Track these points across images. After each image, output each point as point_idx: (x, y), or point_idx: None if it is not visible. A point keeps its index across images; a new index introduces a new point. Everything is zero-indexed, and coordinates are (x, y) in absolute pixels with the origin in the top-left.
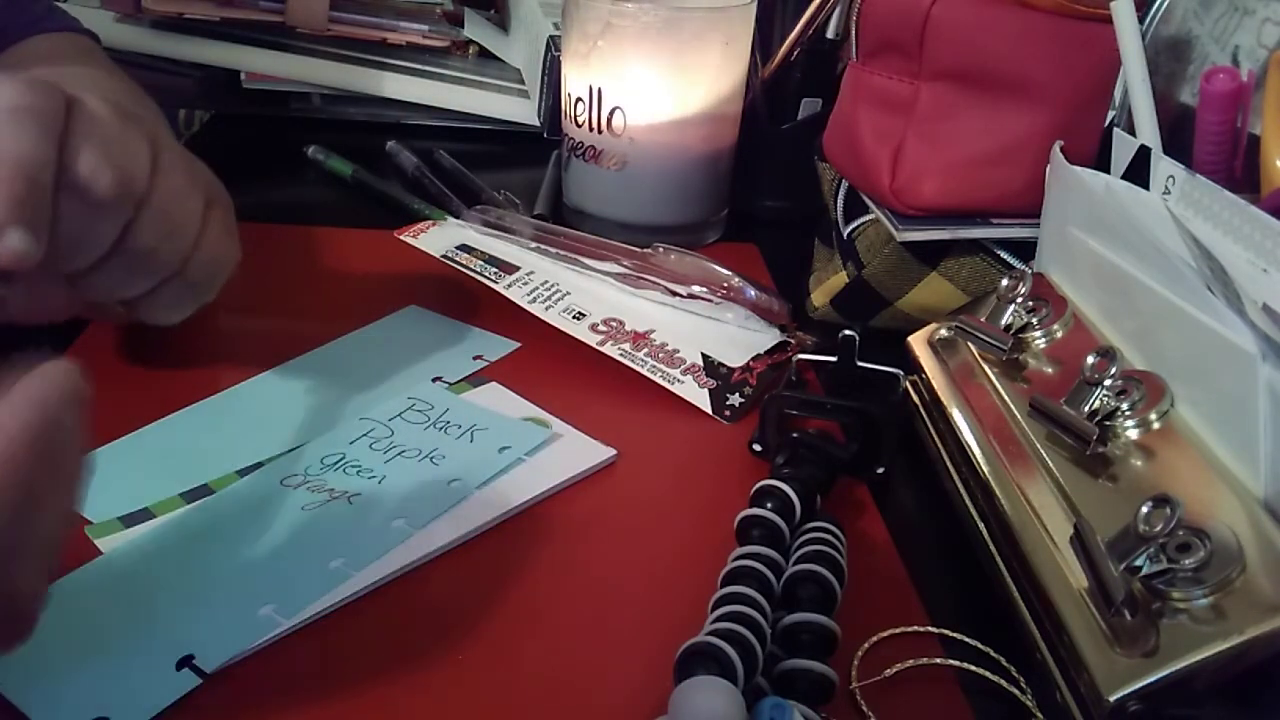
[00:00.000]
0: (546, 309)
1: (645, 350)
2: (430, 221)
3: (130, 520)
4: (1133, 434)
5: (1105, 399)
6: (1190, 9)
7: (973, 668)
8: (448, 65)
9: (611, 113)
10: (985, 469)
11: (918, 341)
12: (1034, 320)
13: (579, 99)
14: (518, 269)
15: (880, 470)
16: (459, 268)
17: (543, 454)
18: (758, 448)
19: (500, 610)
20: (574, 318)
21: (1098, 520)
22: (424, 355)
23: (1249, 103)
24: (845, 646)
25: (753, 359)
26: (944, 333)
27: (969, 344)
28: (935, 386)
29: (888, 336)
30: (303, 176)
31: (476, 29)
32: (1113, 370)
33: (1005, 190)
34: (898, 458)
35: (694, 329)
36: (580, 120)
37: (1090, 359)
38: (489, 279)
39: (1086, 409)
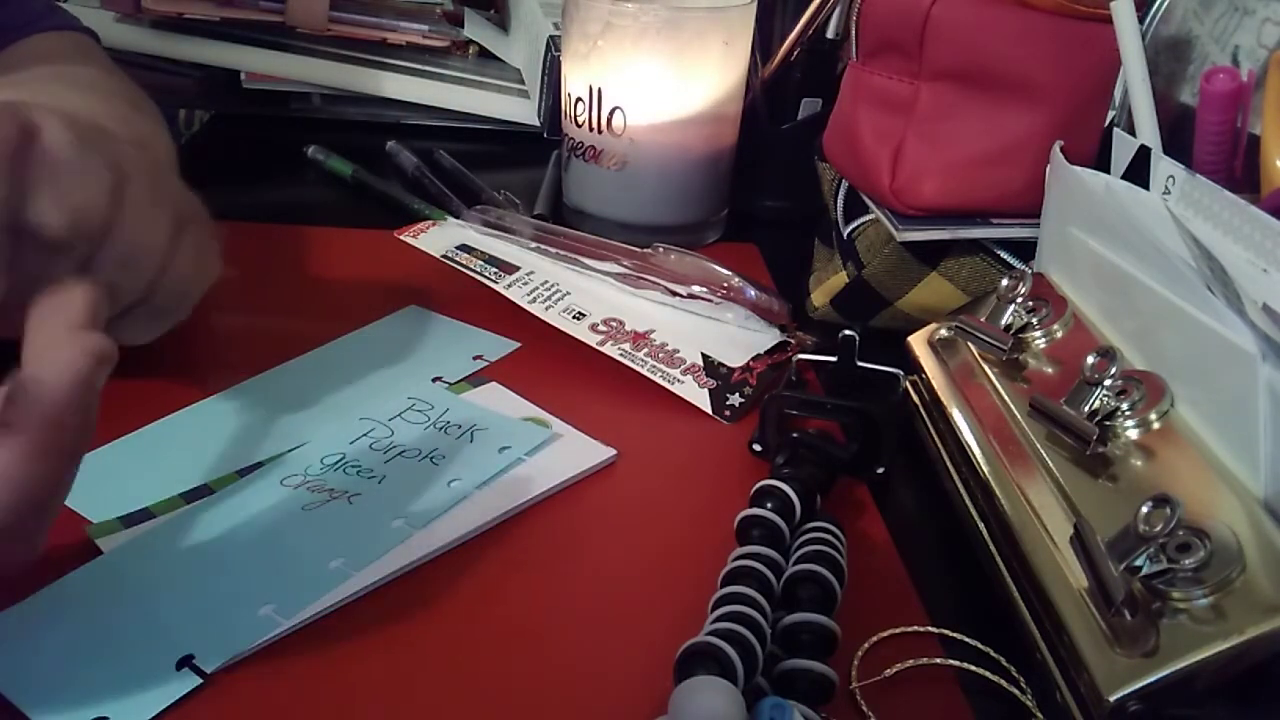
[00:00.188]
0: (546, 309)
1: (645, 350)
2: (430, 221)
3: (130, 520)
4: (1133, 434)
5: (1105, 399)
6: (1190, 9)
7: (973, 668)
8: (448, 65)
9: (611, 113)
10: (985, 469)
11: (918, 341)
12: (1034, 320)
13: (579, 99)
14: (518, 269)
15: (880, 470)
16: (459, 268)
17: (543, 454)
18: (758, 448)
19: (500, 610)
20: (574, 318)
21: (1098, 520)
22: (424, 355)
23: (1249, 103)
24: (845, 646)
25: (753, 359)
26: (944, 333)
27: (969, 344)
28: (935, 386)
29: (888, 336)
30: (303, 176)
31: (476, 29)
32: (1113, 370)
33: (1005, 190)
34: (898, 458)
35: (694, 329)
36: (580, 120)
37: (1090, 359)
38: (489, 279)
39: (1086, 409)
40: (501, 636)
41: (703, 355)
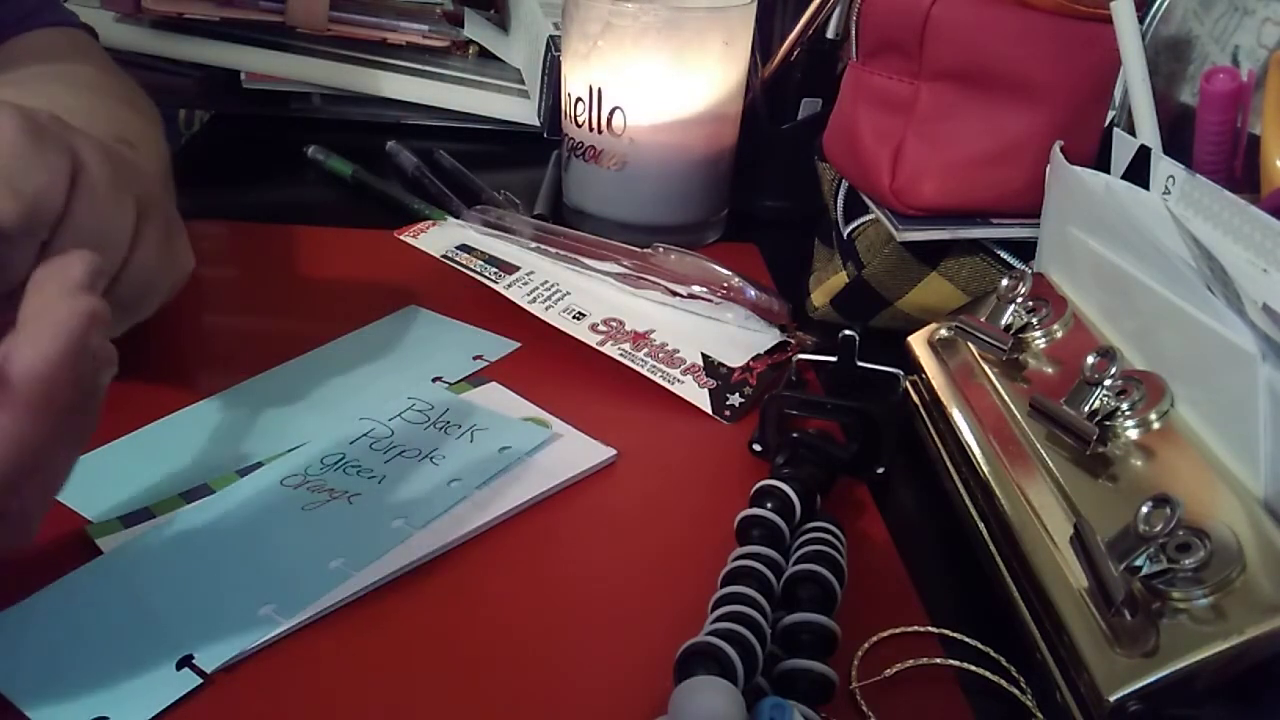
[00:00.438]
0: (546, 309)
1: (645, 350)
2: (430, 221)
3: (130, 520)
4: (1133, 434)
5: (1105, 399)
6: (1190, 9)
7: (973, 668)
8: (448, 65)
9: (611, 113)
10: (985, 469)
11: (918, 341)
12: (1034, 320)
13: (579, 99)
14: (518, 269)
15: (880, 470)
16: (459, 268)
17: (543, 454)
18: (758, 448)
19: (500, 610)
20: (574, 318)
21: (1098, 520)
22: (424, 355)
23: (1249, 103)
24: (845, 646)
25: (753, 359)
26: (944, 333)
27: (969, 344)
28: (935, 386)
29: (888, 336)
30: (303, 176)
31: (476, 29)
32: (1113, 370)
33: (1005, 190)
34: (898, 458)
35: (694, 329)
36: (580, 120)
37: (1090, 359)
38: (489, 279)
39: (1086, 409)
40: (501, 636)
41: (703, 355)
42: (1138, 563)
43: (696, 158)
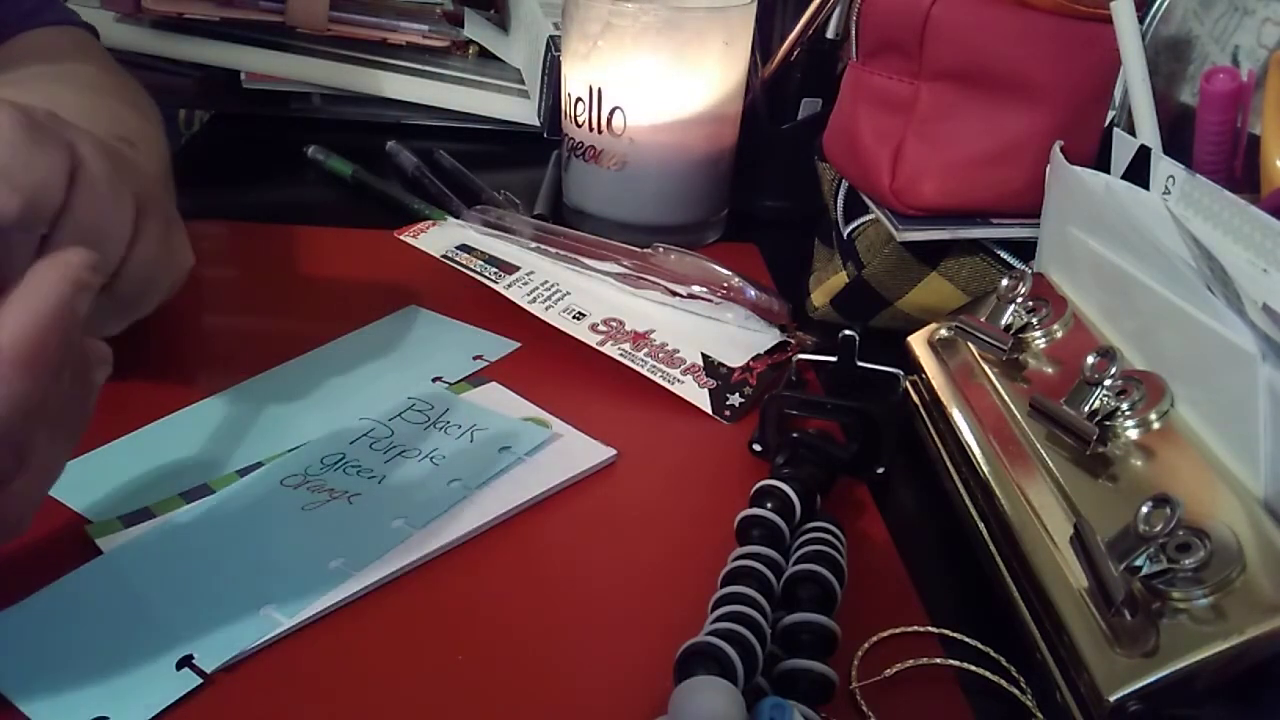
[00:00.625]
0: (546, 309)
1: (645, 350)
2: (430, 221)
3: (130, 520)
4: (1133, 434)
5: (1105, 399)
6: (1190, 9)
7: (973, 668)
8: (448, 65)
9: (611, 113)
10: (985, 469)
11: (918, 341)
12: (1034, 320)
13: (579, 99)
14: (518, 269)
15: (880, 470)
16: (459, 268)
17: (543, 454)
18: (758, 448)
19: (500, 610)
20: (574, 318)
21: (1098, 520)
22: (424, 355)
23: (1249, 103)
24: (845, 646)
25: (753, 359)
26: (944, 333)
27: (969, 344)
28: (935, 386)
29: (888, 336)
30: (303, 176)
31: (476, 29)
32: (1113, 370)
33: (1005, 190)
34: (898, 458)
35: (694, 329)
36: (580, 120)
37: (1090, 359)
38: (489, 279)
39: (1086, 409)
40: (501, 636)
41: (703, 355)
42: (1138, 563)
43: (696, 158)
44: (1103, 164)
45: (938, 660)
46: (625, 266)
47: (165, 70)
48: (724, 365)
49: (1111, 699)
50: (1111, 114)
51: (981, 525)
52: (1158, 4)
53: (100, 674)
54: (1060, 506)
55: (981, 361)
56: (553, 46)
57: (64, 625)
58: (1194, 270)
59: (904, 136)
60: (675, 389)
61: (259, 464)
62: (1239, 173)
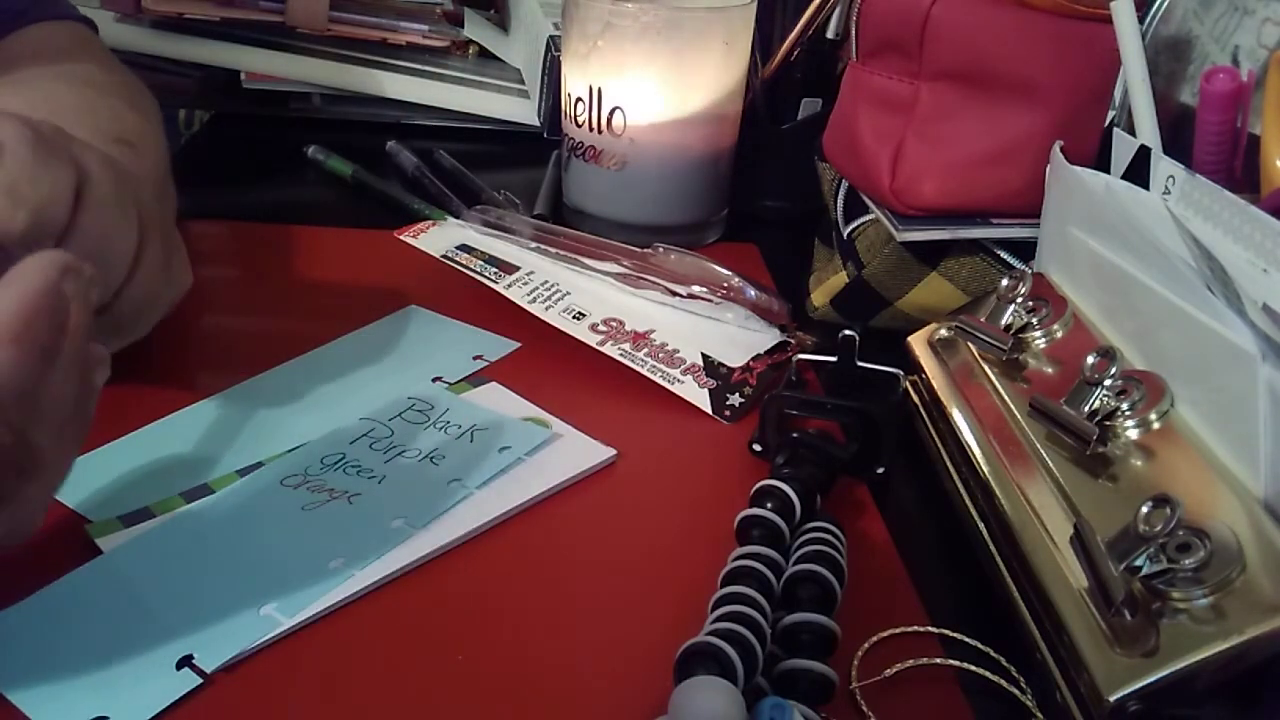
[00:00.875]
0: (546, 309)
1: (645, 350)
2: (430, 221)
3: (130, 520)
4: (1133, 434)
5: (1105, 399)
6: (1190, 9)
7: (973, 668)
8: (448, 65)
9: (611, 113)
10: (985, 469)
11: (918, 341)
12: (1034, 320)
13: (579, 99)
14: (518, 269)
15: (880, 470)
16: (459, 268)
17: (543, 454)
18: (758, 448)
19: (500, 610)
20: (574, 318)
21: (1098, 520)
22: (424, 355)
23: (1249, 103)
24: (845, 646)
25: (753, 359)
26: (944, 333)
27: (969, 344)
28: (935, 386)
29: (888, 336)
30: (303, 176)
31: (476, 29)
32: (1113, 370)
33: (1005, 190)
34: (898, 458)
35: (694, 329)
36: (580, 120)
37: (1090, 359)
38: (489, 279)
39: (1086, 409)
40: (501, 636)
41: (703, 355)
42: (1138, 563)
43: (696, 158)
44: (1103, 164)
45: (938, 660)
46: (625, 266)
47: (165, 70)
48: (724, 365)
49: (1111, 699)
50: (1111, 114)
51: (981, 525)
52: (1158, 4)
53: (100, 674)
54: (1060, 506)
55: (981, 361)
56: (553, 46)
57: (64, 625)
58: (1194, 270)
59: (904, 136)
60: (675, 389)
61: (259, 464)
62: (1239, 173)
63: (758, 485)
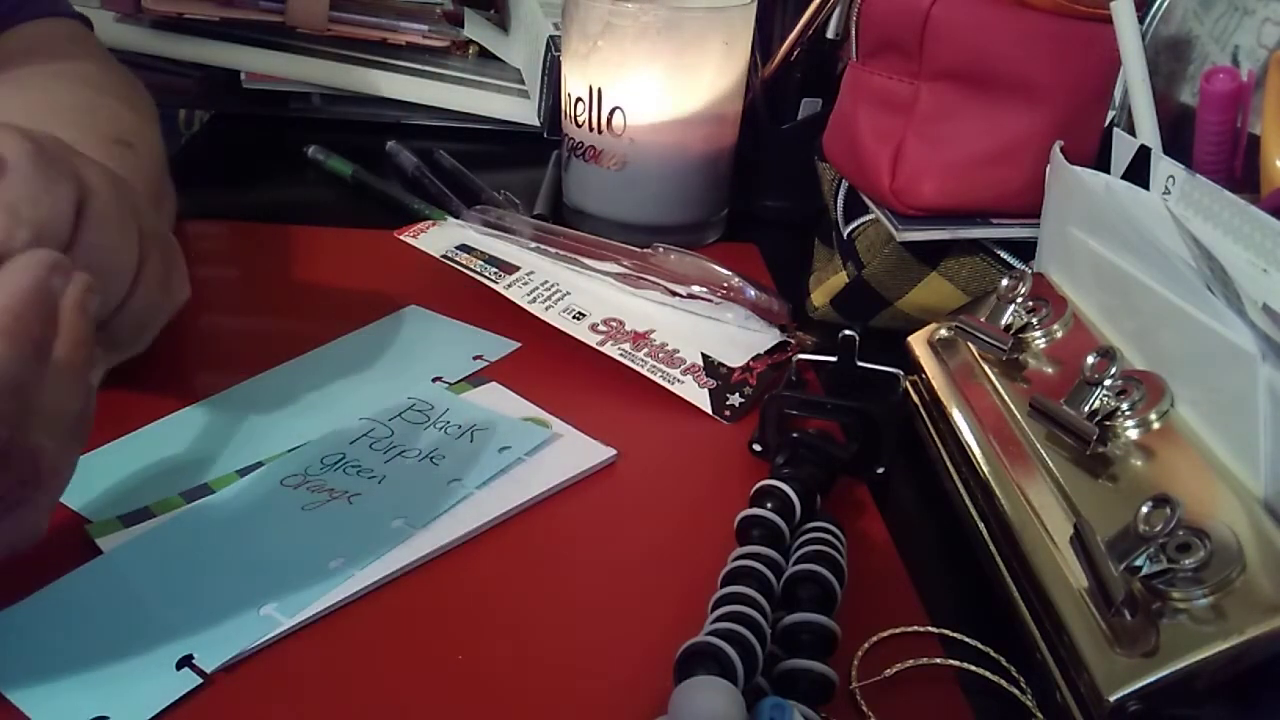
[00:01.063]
0: (546, 309)
1: (645, 350)
2: (430, 221)
3: (130, 520)
4: (1133, 434)
5: (1105, 399)
6: (1190, 9)
7: (973, 668)
8: (448, 65)
9: (611, 113)
10: (985, 469)
11: (918, 341)
12: (1034, 320)
13: (579, 99)
14: (518, 269)
15: (880, 470)
16: (459, 268)
17: (543, 454)
18: (758, 448)
19: (500, 610)
20: (574, 318)
21: (1098, 520)
22: (424, 355)
23: (1249, 103)
24: (845, 646)
25: (753, 359)
26: (944, 333)
27: (969, 344)
28: (935, 386)
29: (888, 336)
30: (303, 176)
31: (476, 29)
32: (1113, 370)
33: (1005, 190)
34: (898, 458)
35: (694, 329)
36: (580, 120)
37: (1090, 359)
38: (489, 279)
39: (1086, 409)
40: (501, 636)
41: (703, 355)
42: (1138, 563)
43: (696, 158)
44: (1103, 164)
45: (938, 660)
46: (625, 266)
47: (165, 70)
48: (724, 365)
49: (1111, 699)
50: (1111, 114)
51: (981, 525)
52: (1158, 4)
53: (100, 674)
54: (1060, 506)
55: (981, 361)
56: (553, 46)
57: (64, 625)
58: (1194, 270)
59: (904, 136)
60: (675, 389)
61: (259, 464)
62: (1239, 173)
63: (758, 485)
